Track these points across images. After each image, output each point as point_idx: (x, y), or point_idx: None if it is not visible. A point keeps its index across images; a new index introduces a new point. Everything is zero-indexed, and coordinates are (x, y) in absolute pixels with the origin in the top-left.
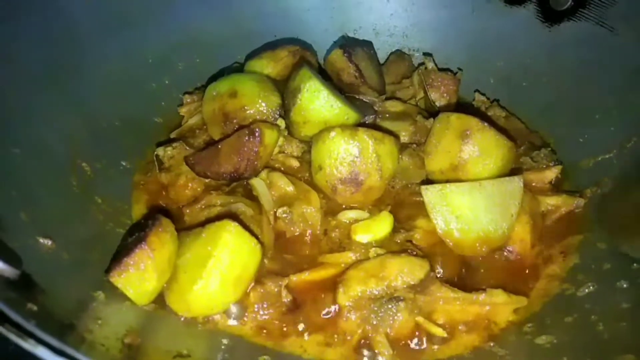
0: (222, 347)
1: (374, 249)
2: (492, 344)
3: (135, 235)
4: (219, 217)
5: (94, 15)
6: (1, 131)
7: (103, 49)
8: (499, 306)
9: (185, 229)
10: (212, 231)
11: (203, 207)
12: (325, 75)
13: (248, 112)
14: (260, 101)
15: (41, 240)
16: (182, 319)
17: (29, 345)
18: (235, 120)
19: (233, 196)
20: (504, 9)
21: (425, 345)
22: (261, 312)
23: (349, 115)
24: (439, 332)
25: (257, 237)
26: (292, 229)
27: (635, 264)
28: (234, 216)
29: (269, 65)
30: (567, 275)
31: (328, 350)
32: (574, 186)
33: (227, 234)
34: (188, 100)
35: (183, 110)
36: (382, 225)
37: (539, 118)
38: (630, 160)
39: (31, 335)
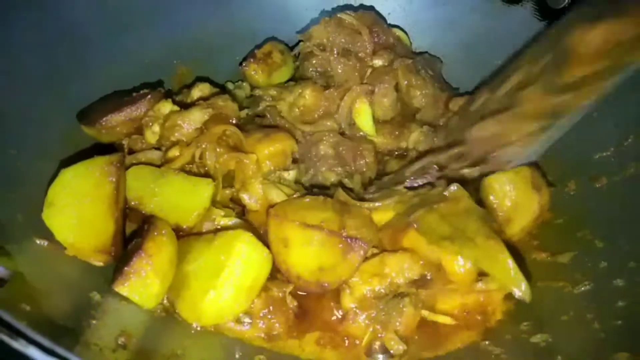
0: (218, 346)
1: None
2: (487, 342)
3: (133, 241)
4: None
5: (93, 16)
6: None
7: (102, 50)
8: (492, 293)
9: (194, 234)
10: (225, 240)
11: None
12: None
13: None
14: None
15: (37, 241)
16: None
17: (19, 345)
18: None
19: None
20: (502, 7)
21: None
22: (269, 317)
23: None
24: (447, 320)
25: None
26: None
27: (632, 262)
28: (244, 226)
29: None
30: (564, 273)
31: (330, 353)
32: (571, 184)
33: (241, 244)
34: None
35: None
36: None
37: None
38: (628, 158)
39: (22, 335)
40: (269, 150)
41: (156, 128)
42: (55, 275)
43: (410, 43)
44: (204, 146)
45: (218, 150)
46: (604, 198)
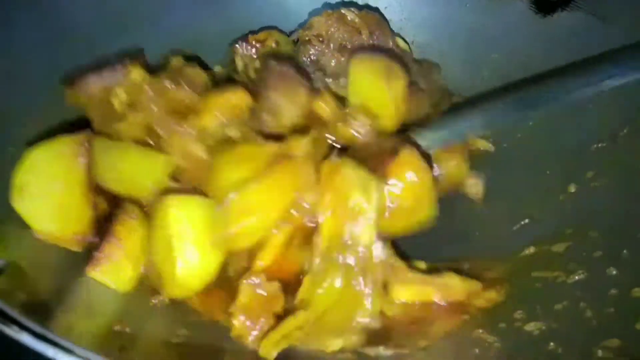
0: (215, 331)
1: None
2: (481, 331)
3: (104, 226)
4: None
5: (93, 17)
6: None
7: (101, 50)
8: (453, 290)
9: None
10: (160, 214)
11: None
12: None
13: None
14: None
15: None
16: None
17: (12, 331)
18: None
19: None
20: (498, 0)
21: None
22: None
23: None
24: None
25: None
26: None
27: (625, 251)
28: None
29: None
30: (559, 263)
31: None
32: (565, 174)
33: (173, 209)
34: None
35: None
36: None
37: None
38: (623, 150)
39: (15, 322)
40: (218, 102)
41: (123, 95)
42: (50, 263)
43: (411, 50)
44: (155, 110)
45: (167, 118)
46: (599, 191)
